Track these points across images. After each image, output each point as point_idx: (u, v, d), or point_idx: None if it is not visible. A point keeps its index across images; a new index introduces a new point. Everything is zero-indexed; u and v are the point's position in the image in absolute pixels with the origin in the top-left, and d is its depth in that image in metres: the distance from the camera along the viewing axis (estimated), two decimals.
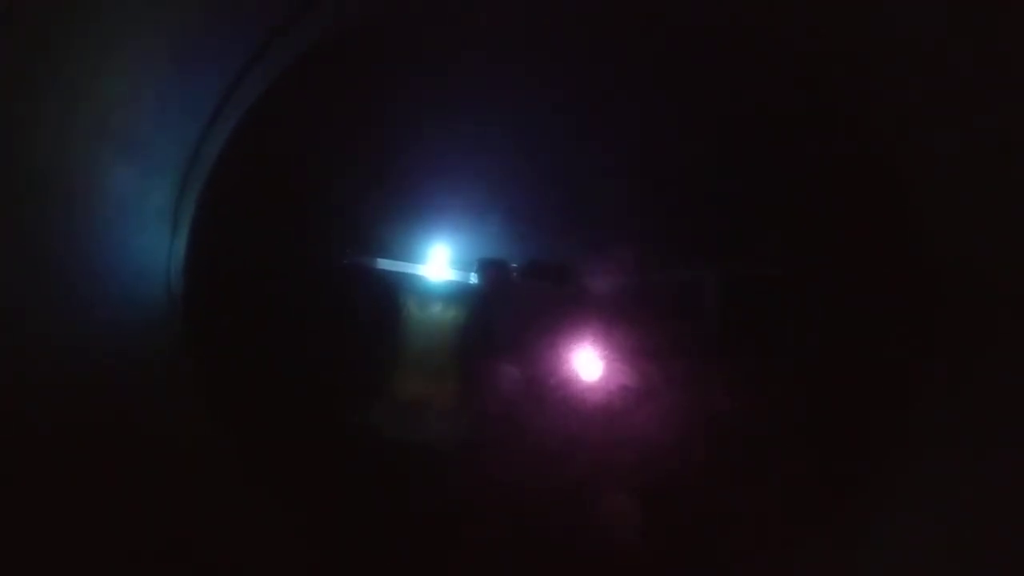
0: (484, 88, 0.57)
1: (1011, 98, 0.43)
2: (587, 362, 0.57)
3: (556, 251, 0.59)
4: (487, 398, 0.58)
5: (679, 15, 0.56)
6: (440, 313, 0.59)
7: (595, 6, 0.57)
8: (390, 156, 0.58)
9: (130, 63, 0.45)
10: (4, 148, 0.38)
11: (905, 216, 0.52)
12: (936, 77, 0.46)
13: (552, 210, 0.58)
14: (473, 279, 0.59)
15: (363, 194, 0.58)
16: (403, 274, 0.59)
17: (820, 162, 0.55)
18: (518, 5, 0.58)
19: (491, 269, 0.59)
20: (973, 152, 0.47)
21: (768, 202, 0.56)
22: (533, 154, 0.58)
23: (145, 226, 0.53)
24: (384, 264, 0.59)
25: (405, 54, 0.56)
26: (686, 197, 0.57)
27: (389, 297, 0.59)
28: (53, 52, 0.39)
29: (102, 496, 0.44)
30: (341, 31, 0.55)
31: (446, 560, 0.56)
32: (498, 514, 0.56)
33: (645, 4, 0.56)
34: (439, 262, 0.59)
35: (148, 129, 0.49)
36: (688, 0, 0.56)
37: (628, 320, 0.58)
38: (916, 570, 0.46)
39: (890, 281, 0.54)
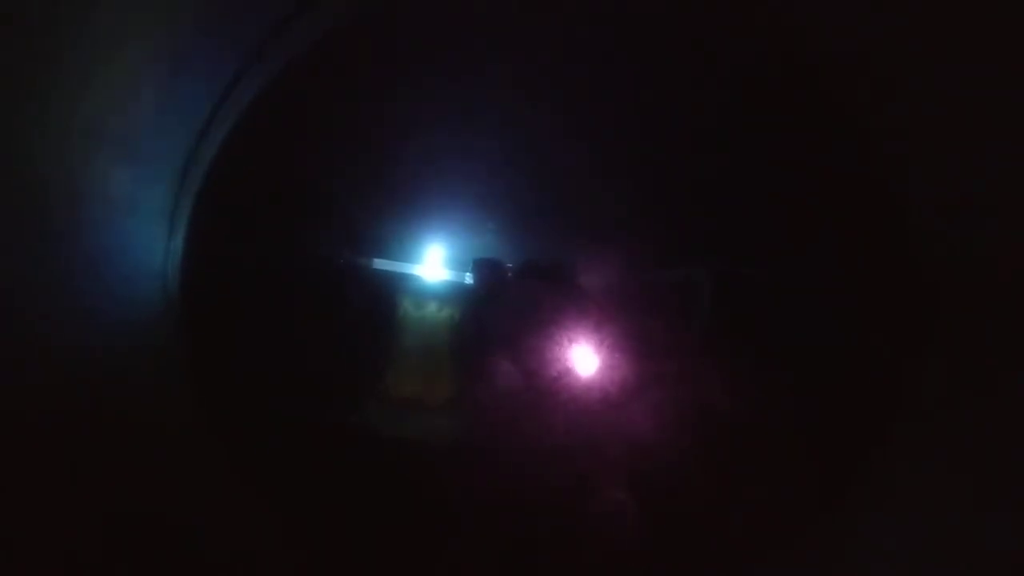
0: (477, 89, 0.57)
1: (1009, 97, 0.43)
2: (582, 361, 0.58)
3: (551, 250, 0.59)
4: (483, 397, 0.58)
5: (676, 14, 0.56)
6: (436, 313, 0.60)
7: (591, 5, 0.57)
8: (386, 157, 0.58)
9: (128, 66, 0.45)
10: (4, 150, 0.38)
11: (901, 215, 0.53)
12: (934, 76, 0.47)
13: (547, 210, 0.59)
14: (468, 279, 0.59)
15: (359, 194, 0.58)
16: (399, 274, 0.59)
17: (817, 161, 0.55)
18: (512, 5, 0.58)
19: (486, 269, 0.59)
20: (971, 152, 0.47)
21: (764, 201, 0.57)
22: (528, 155, 0.58)
23: (143, 226, 0.53)
24: (380, 264, 0.59)
25: (400, 55, 0.57)
26: (680, 196, 0.57)
27: (385, 297, 0.59)
28: (52, 56, 0.39)
29: (98, 493, 0.45)
30: (336, 33, 0.55)
31: (443, 558, 0.56)
32: (494, 512, 0.56)
33: (642, 3, 0.57)
34: (434, 262, 0.59)
35: (146, 131, 0.49)
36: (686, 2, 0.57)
37: (623, 319, 0.58)
38: (910, 573, 0.46)
39: (885, 281, 0.54)
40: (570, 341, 0.58)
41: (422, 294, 0.59)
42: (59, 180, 0.43)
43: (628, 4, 0.57)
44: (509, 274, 0.59)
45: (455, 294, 0.59)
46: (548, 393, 0.57)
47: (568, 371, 0.57)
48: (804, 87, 0.54)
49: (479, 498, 0.56)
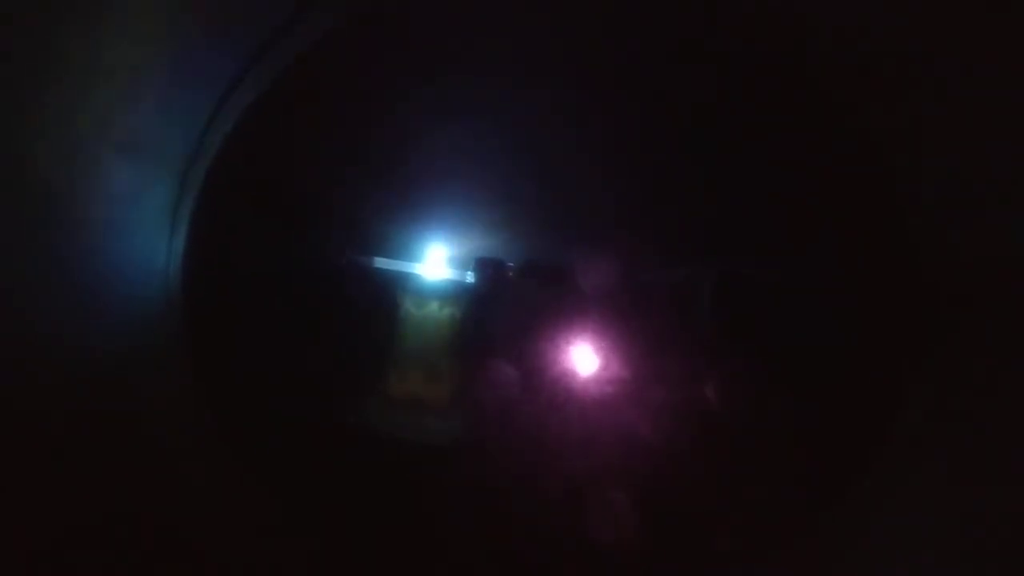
0: (480, 88, 0.57)
1: (1009, 97, 0.43)
2: (583, 361, 0.58)
3: (553, 250, 0.59)
4: (484, 396, 0.58)
5: (676, 14, 0.56)
6: (437, 312, 0.60)
7: (592, 5, 0.57)
8: (388, 155, 0.58)
9: (129, 66, 0.45)
10: (7, 149, 0.39)
11: (901, 215, 0.53)
12: (934, 76, 0.46)
13: (549, 210, 0.59)
14: (470, 278, 0.59)
15: (361, 194, 0.58)
16: (400, 273, 0.59)
17: (817, 161, 0.55)
18: (513, 5, 0.58)
19: (488, 268, 0.59)
20: (971, 152, 0.47)
21: (764, 201, 0.57)
22: (530, 154, 0.58)
23: (144, 226, 0.53)
24: (382, 263, 0.59)
25: (400, 55, 0.57)
26: (680, 196, 0.57)
27: (386, 296, 0.59)
28: (53, 56, 0.39)
29: (98, 493, 0.45)
30: (336, 32, 0.56)
31: (443, 557, 0.56)
32: (494, 511, 0.56)
33: (643, 3, 0.57)
34: (436, 261, 0.59)
35: (147, 131, 0.49)
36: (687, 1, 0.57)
37: (624, 320, 0.58)
38: (910, 573, 0.46)
39: (885, 281, 0.54)
40: (571, 341, 0.58)
41: (423, 293, 0.59)
42: (59, 180, 0.43)
43: (628, 4, 0.57)
44: (511, 274, 0.59)
45: (456, 293, 0.59)
46: (549, 393, 0.57)
47: (569, 371, 0.57)
48: (804, 87, 0.54)
49: (479, 498, 0.56)
